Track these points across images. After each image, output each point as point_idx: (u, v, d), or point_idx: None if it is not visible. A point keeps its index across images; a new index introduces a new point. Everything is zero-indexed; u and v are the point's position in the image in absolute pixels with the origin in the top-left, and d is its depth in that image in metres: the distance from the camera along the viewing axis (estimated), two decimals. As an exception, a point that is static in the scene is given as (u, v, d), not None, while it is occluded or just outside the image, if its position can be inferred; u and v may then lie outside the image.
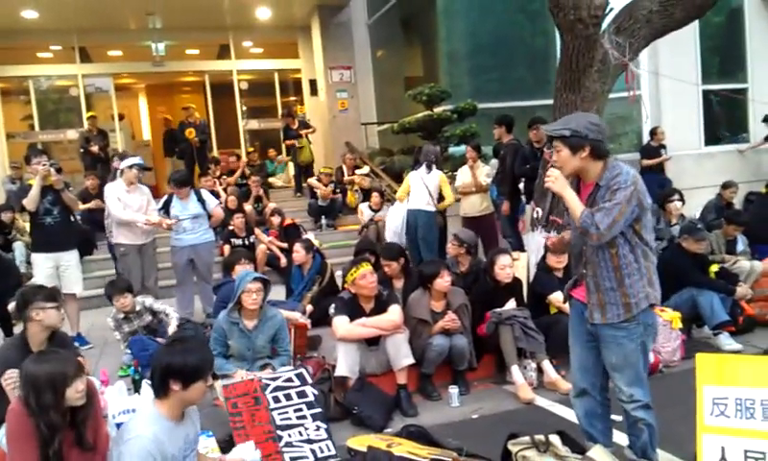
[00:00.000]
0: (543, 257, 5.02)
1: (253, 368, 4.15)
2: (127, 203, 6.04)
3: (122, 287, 5.17)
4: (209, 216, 6.35)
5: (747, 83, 11.17)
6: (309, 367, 4.20)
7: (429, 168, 6.97)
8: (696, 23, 8.41)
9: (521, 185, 7.12)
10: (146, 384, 3.71)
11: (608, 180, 2.73)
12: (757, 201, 7.85)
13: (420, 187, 6.90)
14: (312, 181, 10.03)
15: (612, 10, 5.03)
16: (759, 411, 2.56)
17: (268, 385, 3.71)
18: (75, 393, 2.61)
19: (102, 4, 10.80)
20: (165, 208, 6.18)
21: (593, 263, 2.82)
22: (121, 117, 13.27)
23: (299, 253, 6.09)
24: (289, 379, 3.78)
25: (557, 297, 4.67)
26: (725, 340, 4.91)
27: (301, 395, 3.72)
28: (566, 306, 3.35)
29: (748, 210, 8.04)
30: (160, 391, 2.56)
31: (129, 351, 4.96)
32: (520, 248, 6.41)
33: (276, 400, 3.65)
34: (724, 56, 11.46)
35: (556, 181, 2.75)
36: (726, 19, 11.34)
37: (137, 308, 5.18)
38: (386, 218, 7.68)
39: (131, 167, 6.12)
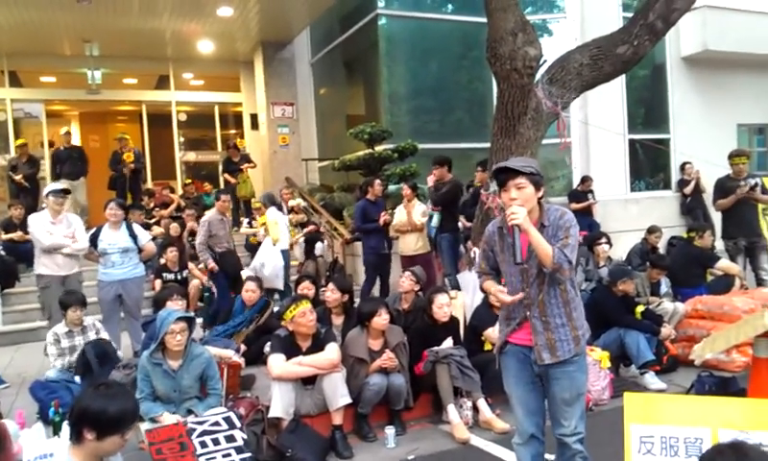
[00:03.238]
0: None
1: (181, 409, 3.97)
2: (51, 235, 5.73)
3: (81, 298, 5.26)
4: (140, 250, 6.12)
5: (669, 134, 11.89)
6: (242, 408, 4.08)
7: (281, 209, 7.61)
8: (623, 77, 8.91)
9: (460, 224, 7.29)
10: (66, 427, 3.50)
11: (554, 220, 2.79)
12: (679, 246, 8.26)
13: (284, 228, 7.52)
14: (245, 230, 9.92)
15: (545, 61, 5.26)
16: (683, 449, 2.66)
17: (194, 429, 3.56)
18: (-17, 437, 2.42)
19: (36, 28, 10.47)
20: (92, 241, 5.92)
21: (541, 303, 2.80)
22: (51, 144, 12.76)
23: (255, 292, 5.94)
24: (216, 423, 3.65)
25: (492, 333, 4.74)
26: (650, 379, 5.09)
27: (230, 439, 3.59)
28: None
29: (670, 254, 8.46)
30: (74, 437, 2.35)
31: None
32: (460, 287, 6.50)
33: (204, 444, 3.51)
34: (648, 108, 12.17)
35: (524, 218, 2.67)
36: (650, 74, 12.08)
37: (85, 323, 5.23)
38: (263, 260, 7.28)
39: (47, 195, 5.84)
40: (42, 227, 5.75)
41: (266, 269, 6.98)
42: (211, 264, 6.99)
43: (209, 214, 7.37)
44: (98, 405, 2.30)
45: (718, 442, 1.63)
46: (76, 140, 13.75)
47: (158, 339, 3.96)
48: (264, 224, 7.55)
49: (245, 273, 7.05)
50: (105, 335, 5.35)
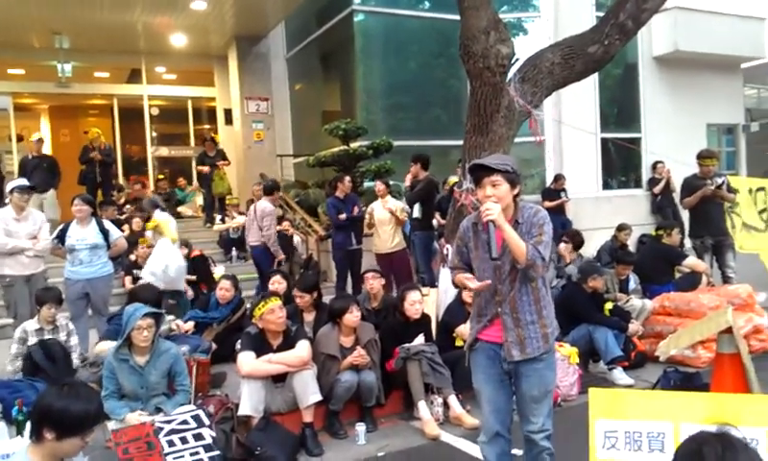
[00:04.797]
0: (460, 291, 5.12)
1: (148, 406, 3.91)
2: (13, 232, 5.61)
3: (57, 295, 5.12)
4: (109, 246, 6.00)
5: (641, 133, 12.08)
6: (211, 406, 4.04)
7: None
8: (596, 76, 9.02)
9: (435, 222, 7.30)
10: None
11: (528, 217, 2.81)
12: (648, 243, 8.38)
13: (174, 229, 7.29)
14: (219, 226, 9.91)
15: (517, 60, 5.29)
16: (646, 443, 2.69)
17: (161, 429, 3.51)
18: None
19: (3, 18, 10.21)
20: (60, 238, 5.79)
21: (513, 300, 2.82)
22: (20, 138, 12.49)
23: (229, 291, 5.88)
24: (184, 422, 3.60)
25: (464, 329, 4.76)
26: (618, 375, 5.16)
27: (198, 437, 3.55)
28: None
29: (639, 252, 8.58)
30: (34, 435, 2.29)
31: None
32: (433, 284, 6.51)
33: (171, 443, 3.46)
34: (620, 107, 12.36)
35: (498, 214, 2.68)
36: (623, 74, 12.26)
37: (58, 323, 5.12)
38: (167, 262, 6.75)
39: (11, 192, 5.69)
40: (3, 226, 5.60)
41: (170, 270, 6.57)
42: (281, 255, 7.31)
43: (266, 205, 7.41)
44: (60, 405, 2.25)
45: (701, 431, 1.64)
46: (45, 134, 13.47)
47: (125, 335, 3.89)
48: (156, 226, 7.07)
49: (146, 275, 6.62)
50: (75, 338, 5.22)
